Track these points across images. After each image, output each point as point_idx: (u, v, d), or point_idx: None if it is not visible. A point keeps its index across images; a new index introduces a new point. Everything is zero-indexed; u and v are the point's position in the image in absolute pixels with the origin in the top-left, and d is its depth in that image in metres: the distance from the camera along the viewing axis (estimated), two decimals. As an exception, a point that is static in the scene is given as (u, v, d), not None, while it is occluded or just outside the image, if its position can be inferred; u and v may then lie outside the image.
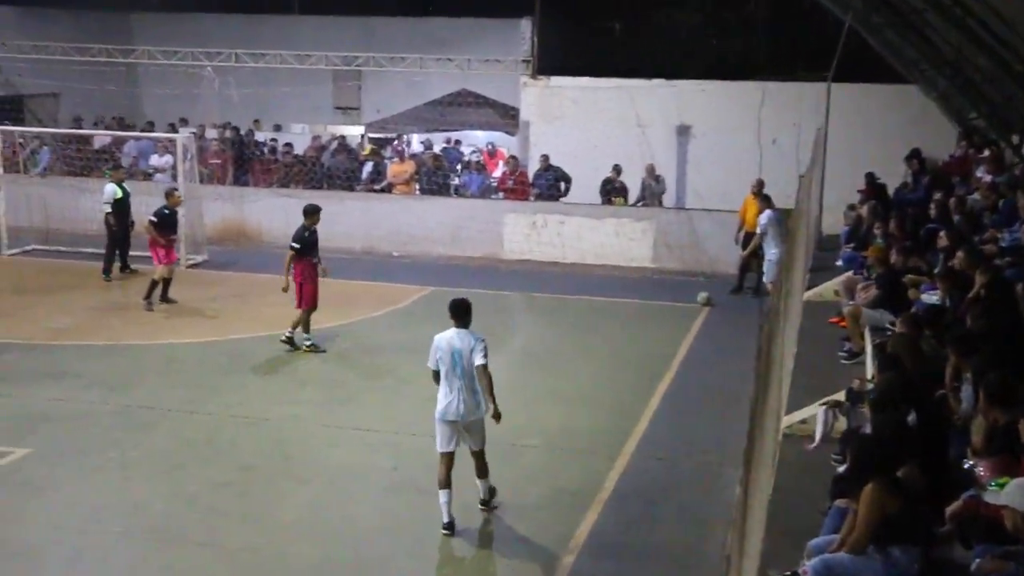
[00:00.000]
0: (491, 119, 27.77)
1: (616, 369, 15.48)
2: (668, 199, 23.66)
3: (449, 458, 10.02)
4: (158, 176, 24.77)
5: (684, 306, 19.15)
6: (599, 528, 10.22)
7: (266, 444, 12.30)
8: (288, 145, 25.82)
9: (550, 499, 10.97)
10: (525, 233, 22.93)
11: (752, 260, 19.80)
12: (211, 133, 26.84)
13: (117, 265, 20.75)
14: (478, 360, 9.85)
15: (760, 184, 19.94)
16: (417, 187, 24.17)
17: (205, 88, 26.96)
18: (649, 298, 19.91)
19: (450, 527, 9.89)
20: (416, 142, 29.71)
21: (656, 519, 10.54)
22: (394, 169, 24.52)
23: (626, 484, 11.29)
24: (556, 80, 24.77)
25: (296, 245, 15.52)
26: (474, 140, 28.91)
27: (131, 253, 20.96)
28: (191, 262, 21.72)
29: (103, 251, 20.81)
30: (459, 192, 24.42)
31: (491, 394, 9.95)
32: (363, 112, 32.05)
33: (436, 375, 10.06)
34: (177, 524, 10.16)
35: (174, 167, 23.22)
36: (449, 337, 9.99)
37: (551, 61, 24.87)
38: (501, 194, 23.87)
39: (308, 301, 15.63)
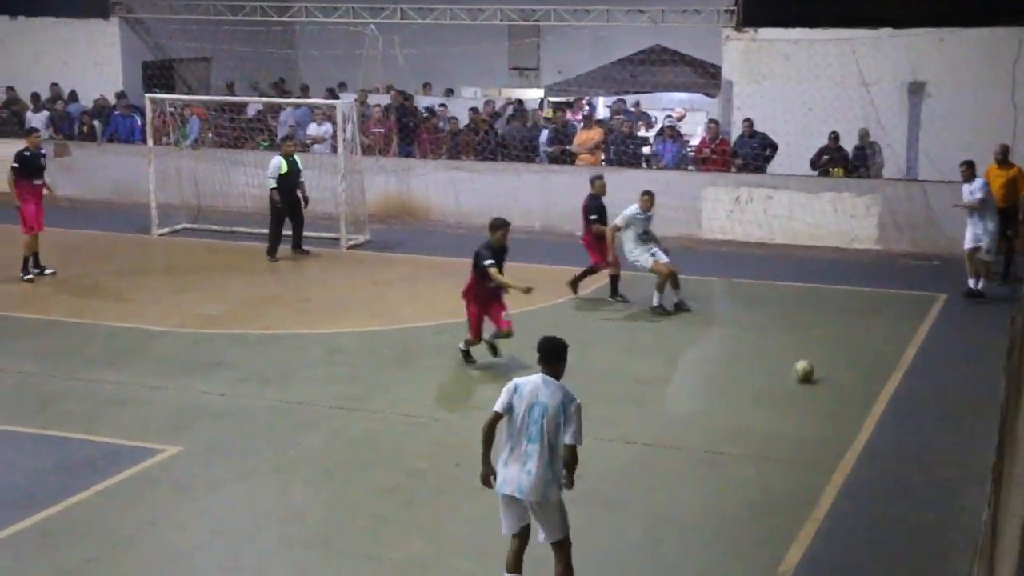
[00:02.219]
0: (688, 79, 27.53)
1: (834, 367, 15.18)
2: (895, 169, 23.00)
3: (519, 540, 8.86)
4: (316, 147, 25.40)
5: (916, 294, 18.69)
6: (813, 553, 10.06)
7: (435, 447, 12.55)
8: (474, 110, 25.93)
9: (755, 517, 10.86)
10: (727, 210, 22.73)
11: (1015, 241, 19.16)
12: (375, 99, 27.32)
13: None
14: (568, 439, 8.50)
15: (1004, 150, 19.23)
16: (603, 157, 24.18)
17: (368, 49, 27.52)
18: (874, 285, 19.51)
19: None
20: (602, 106, 29.68)
21: (882, 543, 10.33)
22: (580, 136, 24.55)
23: (846, 502, 11.09)
24: (764, 32, 24.34)
25: (491, 261, 14.74)
26: (660, 102, 28.70)
27: (306, 233, 21.55)
28: (352, 243, 22.31)
29: (261, 231, 21.56)
30: (651, 163, 24.33)
31: (572, 473, 8.66)
32: (542, 73, 32.25)
33: (495, 420, 8.75)
34: (338, 533, 10.49)
35: (334, 137, 23.82)
36: (535, 385, 8.69)
37: (758, 10, 24.41)
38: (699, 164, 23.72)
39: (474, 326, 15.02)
